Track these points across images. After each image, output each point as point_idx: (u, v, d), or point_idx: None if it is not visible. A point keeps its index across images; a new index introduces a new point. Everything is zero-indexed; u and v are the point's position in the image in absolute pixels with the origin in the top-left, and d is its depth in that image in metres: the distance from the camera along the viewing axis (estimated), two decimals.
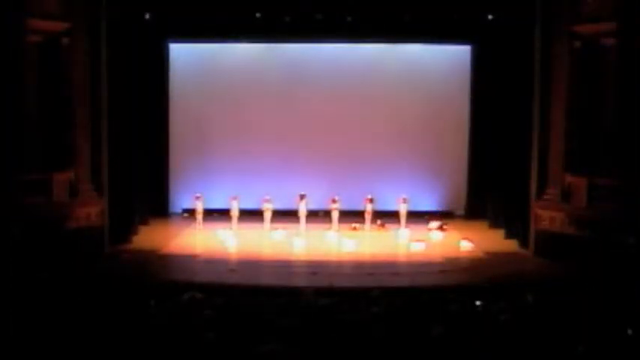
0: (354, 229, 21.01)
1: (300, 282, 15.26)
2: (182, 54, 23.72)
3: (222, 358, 7.16)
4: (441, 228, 21.03)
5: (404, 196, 21.82)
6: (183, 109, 23.58)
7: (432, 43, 23.51)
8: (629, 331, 7.25)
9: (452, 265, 17.41)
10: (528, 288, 12.14)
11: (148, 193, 21.88)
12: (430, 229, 20.96)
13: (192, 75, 23.64)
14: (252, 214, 21.75)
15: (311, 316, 8.75)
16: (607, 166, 17.24)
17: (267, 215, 21.18)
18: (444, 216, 23.13)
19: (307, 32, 22.21)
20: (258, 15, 21.29)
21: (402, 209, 21.59)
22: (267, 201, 21.21)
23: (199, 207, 21.25)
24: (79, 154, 18.03)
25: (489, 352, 7.39)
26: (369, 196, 21.65)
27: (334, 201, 21.19)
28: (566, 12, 17.76)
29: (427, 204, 23.80)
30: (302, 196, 21.16)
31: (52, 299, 10.14)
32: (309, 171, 23.53)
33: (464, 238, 19.52)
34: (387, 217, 22.01)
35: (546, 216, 18.35)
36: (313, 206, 22.49)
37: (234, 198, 21.29)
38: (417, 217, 22.36)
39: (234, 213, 21.12)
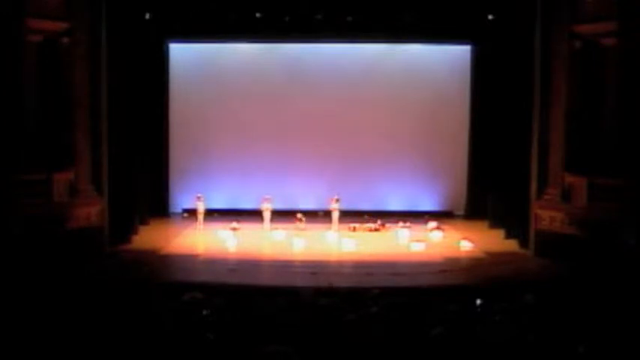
0: (354, 229, 21.00)
1: (300, 282, 15.26)
2: (182, 54, 23.74)
3: (222, 358, 7.16)
4: (437, 228, 21.01)
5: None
6: (183, 109, 23.59)
7: (432, 43, 23.55)
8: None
9: (452, 265, 17.41)
10: (528, 288, 12.13)
11: (148, 193, 21.88)
12: (429, 230, 20.93)
13: (192, 75, 23.66)
14: (252, 214, 21.76)
15: (311, 316, 8.75)
16: (607, 166, 17.23)
17: (267, 215, 21.17)
18: (443, 216, 23.14)
19: (307, 32, 22.23)
20: (258, 15, 21.32)
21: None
22: (267, 200, 21.21)
23: (200, 207, 21.25)
24: (79, 154, 18.02)
25: (489, 352, 7.38)
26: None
27: (335, 201, 21.18)
28: (566, 12, 17.76)
29: (427, 204, 23.84)
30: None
31: (52, 299, 10.13)
32: (309, 171, 23.56)
33: (464, 238, 19.51)
34: (387, 217, 22.01)
35: (546, 216, 18.34)
36: (313, 206, 22.56)
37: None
38: (416, 217, 22.37)
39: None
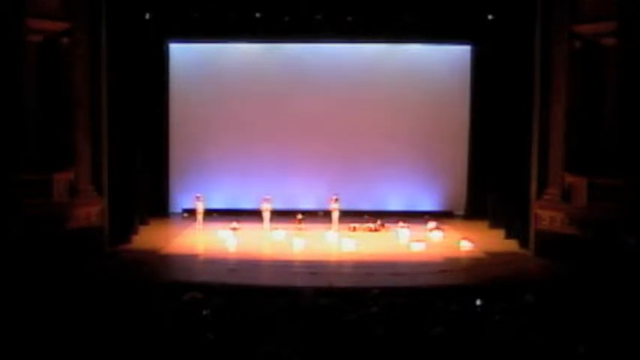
0: (354, 229, 21.00)
1: (300, 282, 15.25)
2: (182, 54, 23.73)
3: (222, 358, 7.17)
4: (436, 228, 21.01)
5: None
6: (183, 109, 23.59)
7: (432, 43, 23.55)
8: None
9: (452, 265, 17.40)
10: (528, 288, 12.13)
11: (148, 193, 21.87)
12: (429, 230, 20.91)
13: (192, 75, 23.66)
14: (252, 214, 21.76)
15: (311, 316, 8.75)
16: (607, 166, 17.23)
17: (267, 215, 21.15)
18: (443, 216, 23.14)
19: (307, 32, 22.23)
20: (258, 15, 21.32)
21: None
22: (267, 201, 21.19)
23: (200, 207, 21.24)
24: (79, 154, 18.02)
25: (489, 352, 7.39)
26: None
27: (334, 201, 21.18)
28: (566, 12, 17.75)
29: (427, 204, 23.84)
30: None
31: (52, 299, 10.14)
32: (309, 171, 23.58)
33: (464, 238, 19.51)
34: (386, 217, 22.01)
35: (546, 216, 18.34)
36: (313, 206, 22.56)
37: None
38: (416, 217, 22.35)
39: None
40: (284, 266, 17.16)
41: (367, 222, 21.49)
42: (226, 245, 19.12)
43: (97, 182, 18.37)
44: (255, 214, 21.50)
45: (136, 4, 20.18)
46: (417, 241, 19.34)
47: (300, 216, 21.16)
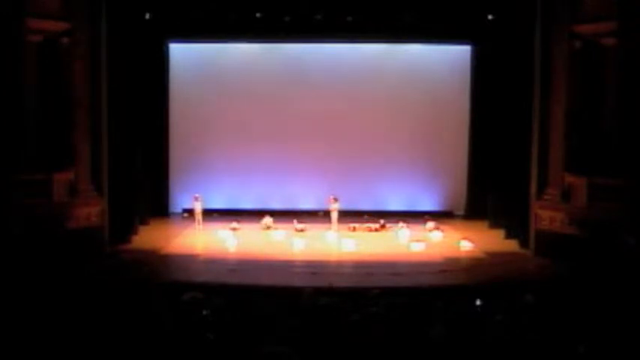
0: (354, 229, 21.00)
1: (300, 282, 15.24)
2: (182, 54, 23.73)
3: (222, 358, 7.17)
4: (435, 228, 21.01)
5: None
6: (183, 109, 23.59)
7: (432, 43, 23.54)
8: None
9: (452, 265, 17.40)
10: (528, 288, 12.13)
11: (148, 193, 21.86)
12: (428, 230, 20.91)
13: (192, 75, 23.66)
14: (252, 214, 21.75)
15: (311, 316, 8.75)
16: (607, 166, 17.24)
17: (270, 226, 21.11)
18: (443, 216, 23.14)
19: (307, 32, 22.24)
20: (258, 15, 21.32)
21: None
22: (269, 215, 21.18)
23: (198, 207, 21.24)
24: (79, 154, 18.02)
25: (489, 352, 7.39)
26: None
27: (334, 201, 21.17)
28: (566, 12, 17.76)
29: (427, 204, 23.84)
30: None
31: (52, 299, 10.14)
32: (309, 171, 23.57)
33: (464, 238, 19.50)
34: (387, 217, 22.00)
35: (546, 216, 18.34)
36: (313, 206, 22.54)
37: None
38: (416, 217, 22.35)
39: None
40: (284, 266, 17.17)
41: (368, 222, 21.48)
42: (226, 245, 19.13)
43: (97, 182, 18.37)
44: (255, 214, 21.50)
45: (136, 4, 20.19)
46: (417, 241, 19.35)
47: (301, 227, 20.85)
